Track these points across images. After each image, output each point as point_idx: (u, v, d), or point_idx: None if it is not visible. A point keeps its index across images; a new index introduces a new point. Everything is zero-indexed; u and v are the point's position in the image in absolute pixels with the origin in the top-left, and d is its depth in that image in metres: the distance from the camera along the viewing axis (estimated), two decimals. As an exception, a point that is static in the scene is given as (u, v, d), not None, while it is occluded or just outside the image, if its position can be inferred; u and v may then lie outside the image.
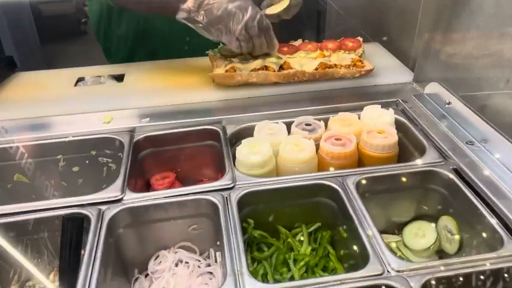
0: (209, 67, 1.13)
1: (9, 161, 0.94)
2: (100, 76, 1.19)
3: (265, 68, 1.09)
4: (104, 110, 1.03)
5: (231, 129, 0.97)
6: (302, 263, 0.77)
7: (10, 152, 0.94)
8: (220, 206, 0.76)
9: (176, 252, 0.83)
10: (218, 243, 0.76)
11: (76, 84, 1.17)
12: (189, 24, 1.02)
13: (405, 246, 0.84)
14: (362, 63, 1.12)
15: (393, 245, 0.84)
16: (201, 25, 1.00)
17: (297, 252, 0.80)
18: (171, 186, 0.97)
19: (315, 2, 2.01)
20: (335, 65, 1.11)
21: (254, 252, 0.81)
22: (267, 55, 1.11)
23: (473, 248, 0.76)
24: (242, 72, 1.07)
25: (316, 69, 1.09)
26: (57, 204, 0.78)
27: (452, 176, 0.80)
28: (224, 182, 0.81)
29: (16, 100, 1.10)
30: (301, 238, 0.83)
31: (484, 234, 0.72)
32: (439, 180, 0.82)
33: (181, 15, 1.00)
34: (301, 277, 0.76)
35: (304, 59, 1.13)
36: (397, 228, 0.88)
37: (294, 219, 0.85)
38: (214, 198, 0.77)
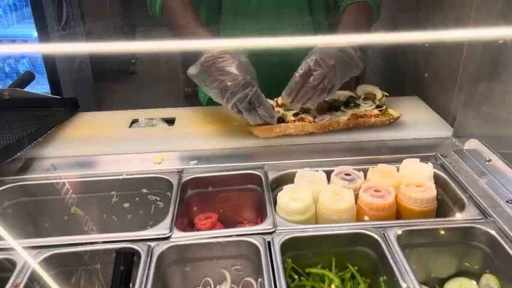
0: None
1: (68, 194, 1.03)
2: (153, 119, 1.28)
3: (301, 119, 1.14)
4: (156, 151, 1.11)
5: (272, 175, 1.01)
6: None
7: (70, 186, 1.03)
8: (261, 249, 0.79)
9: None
10: (259, 284, 0.78)
11: (130, 126, 1.27)
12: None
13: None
14: (388, 112, 1.18)
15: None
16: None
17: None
18: (213, 226, 1.01)
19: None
20: (365, 114, 1.16)
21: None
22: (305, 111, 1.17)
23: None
24: (280, 124, 1.14)
25: (348, 119, 1.15)
26: (111, 238, 0.83)
27: (494, 233, 0.80)
28: (265, 226, 0.84)
29: (77, 139, 1.19)
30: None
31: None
32: (481, 237, 0.82)
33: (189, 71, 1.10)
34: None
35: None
36: (437, 284, 0.88)
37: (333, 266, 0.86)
38: (256, 241, 0.81)
